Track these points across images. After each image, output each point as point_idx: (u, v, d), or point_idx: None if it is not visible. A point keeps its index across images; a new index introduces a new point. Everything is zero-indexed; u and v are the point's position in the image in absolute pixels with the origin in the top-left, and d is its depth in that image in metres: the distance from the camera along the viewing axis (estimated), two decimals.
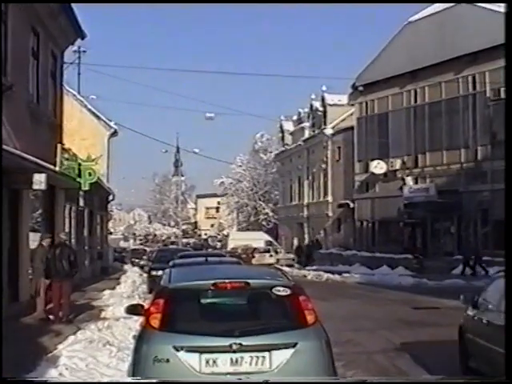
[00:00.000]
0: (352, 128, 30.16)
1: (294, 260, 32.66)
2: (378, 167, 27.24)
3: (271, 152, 49.73)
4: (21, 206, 12.08)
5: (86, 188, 16.02)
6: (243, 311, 5.27)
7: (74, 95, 25.51)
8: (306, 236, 37.50)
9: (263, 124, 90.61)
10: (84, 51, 26.46)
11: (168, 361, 4.76)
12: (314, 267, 27.71)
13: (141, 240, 67.46)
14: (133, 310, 5.69)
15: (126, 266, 26.61)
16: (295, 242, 38.47)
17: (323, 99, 35.20)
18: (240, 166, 53.73)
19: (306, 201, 38.17)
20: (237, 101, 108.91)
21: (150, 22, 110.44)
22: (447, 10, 24.12)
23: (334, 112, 34.02)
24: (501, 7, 17.18)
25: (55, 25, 14.10)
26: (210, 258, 9.83)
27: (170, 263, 10.97)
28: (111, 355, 7.50)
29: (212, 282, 5.10)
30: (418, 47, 24.64)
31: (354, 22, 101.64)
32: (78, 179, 15.30)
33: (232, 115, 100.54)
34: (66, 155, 15.22)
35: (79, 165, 15.53)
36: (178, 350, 4.78)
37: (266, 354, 4.79)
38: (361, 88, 28.41)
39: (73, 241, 16.96)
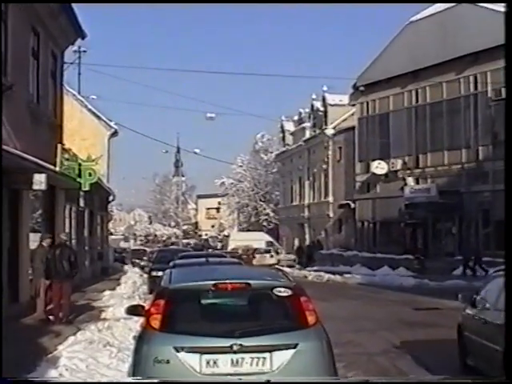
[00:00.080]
0: (353, 128, 30.12)
1: (294, 261, 32.64)
2: (379, 167, 27.19)
3: (272, 152, 49.66)
4: (21, 207, 12.06)
5: (87, 188, 16.01)
6: (244, 312, 5.26)
7: (75, 95, 25.47)
8: (307, 236, 37.44)
9: (264, 124, 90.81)
10: (84, 51, 26.43)
11: (168, 362, 4.75)
12: (315, 268, 27.67)
13: (141, 240, 67.52)
14: (133, 310, 5.68)
15: (126, 267, 26.55)
16: (296, 242, 38.42)
17: (324, 99, 35.14)
18: (241, 166, 53.67)
19: (306, 201, 38.11)
20: (237, 101, 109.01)
21: (151, 21, 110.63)
22: (448, 10, 24.07)
23: (335, 112, 33.97)
24: (502, 7, 17.10)
25: (55, 24, 14.07)
26: (210, 259, 9.82)
27: (171, 264, 10.99)
28: (111, 356, 7.48)
29: (213, 282, 5.09)
30: (420, 47, 24.59)
31: (355, 22, 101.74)
32: (79, 179, 15.29)
33: (233, 115, 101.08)
34: (66, 155, 15.22)
35: (79, 165, 15.52)
36: (178, 351, 4.77)
37: (267, 354, 4.79)
38: (362, 88, 28.37)
39: (73, 241, 16.95)
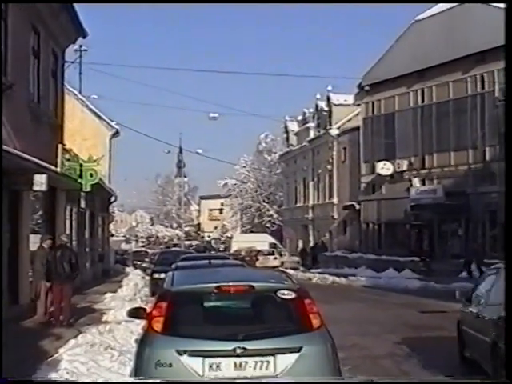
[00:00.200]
0: (358, 128, 29.96)
1: (298, 263, 32.46)
2: (385, 168, 27.03)
3: (276, 153, 49.52)
4: (21, 208, 12.02)
5: (88, 189, 15.99)
6: (247, 315, 5.24)
7: (75, 95, 25.32)
8: (311, 238, 37.28)
9: (267, 124, 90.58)
10: (85, 50, 26.22)
11: (171, 365, 4.72)
12: (319, 270, 27.68)
13: (143, 242, 67.38)
14: (135, 313, 5.65)
15: (127, 269, 26.47)
16: (300, 244, 38.25)
17: (329, 99, 34.95)
18: (244, 166, 53.52)
19: (311, 202, 37.94)
20: (241, 101, 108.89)
21: (153, 20, 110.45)
22: (455, 9, 23.87)
23: (340, 112, 33.79)
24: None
25: (56, 23, 14.00)
26: (213, 261, 9.77)
27: (173, 266, 10.95)
28: (113, 359, 7.46)
29: (215, 285, 5.06)
30: (426, 46, 24.42)
31: (360, 21, 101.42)
32: (79, 180, 15.26)
33: (236, 115, 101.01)
34: (67, 156, 15.17)
35: (80, 165, 15.46)
36: (180, 354, 4.74)
37: (271, 358, 4.76)
38: (367, 87, 28.18)
39: (74, 243, 16.97)
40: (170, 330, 4.89)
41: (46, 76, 13.58)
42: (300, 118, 42.07)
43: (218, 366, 4.71)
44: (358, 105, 30.05)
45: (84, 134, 24.02)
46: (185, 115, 71.72)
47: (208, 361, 4.72)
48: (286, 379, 4.40)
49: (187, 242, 59.00)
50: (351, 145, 31.58)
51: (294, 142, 42.25)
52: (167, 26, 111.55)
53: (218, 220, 73.24)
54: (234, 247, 36.57)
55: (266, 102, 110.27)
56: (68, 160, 14.92)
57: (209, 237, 70.01)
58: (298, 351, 4.79)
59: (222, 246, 53.61)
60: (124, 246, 46.51)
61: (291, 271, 23.33)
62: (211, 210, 78.17)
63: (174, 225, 73.43)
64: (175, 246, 54.10)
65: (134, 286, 17.19)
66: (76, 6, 13.89)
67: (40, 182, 10.89)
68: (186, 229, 68.56)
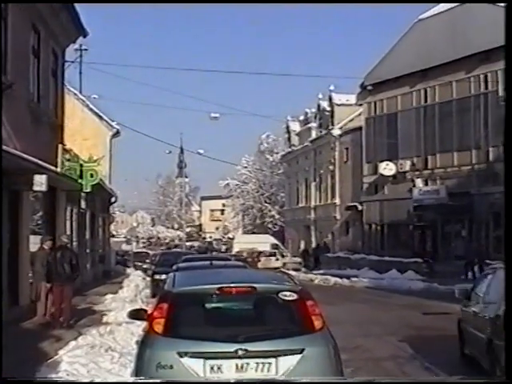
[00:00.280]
0: (360, 128, 29.88)
1: (300, 264, 32.35)
2: (387, 169, 26.93)
3: (277, 153, 49.45)
4: (21, 208, 11.97)
5: (88, 190, 15.91)
6: (249, 316, 5.23)
7: (76, 94, 25.21)
8: (313, 239, 37.19)
9: (269, 124, 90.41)
10: (86, 49, 26.07)
11: (172, 367, 4.70)
12: (322, 271, 27.61)
13: (144, 243, 67.25)
14: (135, 314, 5.63)
15: (128, 270, 26.42)
16: (302, 245, 38.15)
17: (331, 99, 34.86)
18: (245, 167, 53.44)
19: (313, 203, 37.83)
20: (242, 101, 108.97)
21: (154, 19, 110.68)
22: (458, 8, 23.76)
23: (342, 112, 33.69)
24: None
25: (56, 22, 13.94)
26: (214, 262, 9.61)
27: (174, 267, 10.93)
28: (113, 361, 7.43)
29: (217, 286, 5.05)
30: (429, 45, 24.32)
31: (362, 20, 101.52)
32: (80, 180, 15.20)
33: (237, 115, 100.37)
34: (68, 156, 15.11)
35: (81, 166, 15.38)
36: (182, 356, 4.72)
37: (273, 360, 4.74)
38: (369, 87, 28.09)
39: (74, 244, 16.94)
40: (171, 331, 4.87)
41: (46, 75, 13.52)
42: (302, 118, 41.98)
43: (219, 368, 4.70)
44: (361, 105, 29.96)
45: (84, 134, 23.91)
46: (186, 115, 71.87)
47: (209, 362, 4.70)
48: (286, 379, 4.36)
49: (188, 243, 58.86)
50: (353, 145, 31.47)
51: (296, 142, 42.15)
52: (168, 25, 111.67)
53: (220, 221, 73.22)
54: (236, 248, 36.47)
55: (268, 101, 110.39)
56: (68, 160, 14.84)
57: (210, 238, 69.92)
58: (300, 353, 4.77)
59: (223, 247, 53.45)
60: (125, 247, 46.32)
61: (293, 272, 23.25)
62: (212, 210, 78.15)
63: (175, 226, 73.28)
64: (176, 246, 53.96)
65: (134, 288, 17.12)
66: (76, 5, 13.83)
67: (40, 182, 10.86)
68: (188, 230, 68.45)
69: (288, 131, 44.16)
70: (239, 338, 4.77)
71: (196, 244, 60.66)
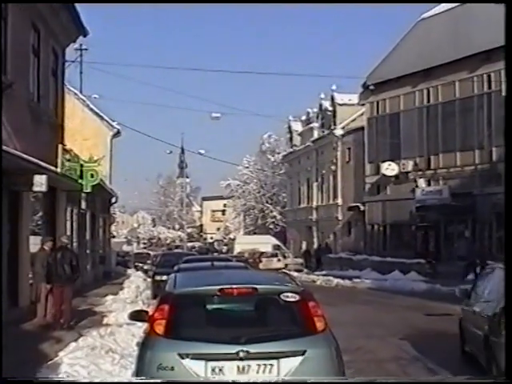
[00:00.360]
0: (362, 128, 29.78)
1: (302, 264, 32.30)
2: (390, 169, 26.83)
3: (279, 153, 49.37)
4: (21, 209, 11.97)
5: (88, 190, 15.87)
6: (250, 318, 5.21)
7: (76, 94, 25.17)
8: (315, 240, 37.09)
9: (271, 124, 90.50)
10: (86, 49, 26.06)
11: (173, 368, 4.68)
12: (324, 272, 27.58)
13: (144, 244, 67.22)
14: (136, 316, 5.62)
15: (129, 271, 26.40)
16: (304, 245, 38.06)
17: (333, 99, 34.75)
18: (247, 167, 53.35)
19: (314, 203, 37.73)
20: (243, 100, 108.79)
21: (155, 19, 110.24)
22: (461, 7, 23.67)
23: (344, 112, 33.59)
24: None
25: (56, 21, 13.92)
26: (216, 263, 9.72)
27: (175, 268, 10.95)
28: (114, 363, 7.44)
29: (218, 287, 5.04)
30: (431, 45, 24.21)
31: (364, 20, 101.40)
32: (80, 181, 15.16)
33: (239, 115, 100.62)
34: (68, 156, 15.07)
35: (81, 166, 15.34)
36: (183, 358, 4.71)
37: (274, 361, 4.73)
38: (372, 87, 27.98)
39: (74, 244, 16.99)
40: (172, 332, 4.85)
41: (46, 75, 13.50)
42: (304, 117, 41.88)
43: (220, 370, 4.68)
44: (363, 104, 29.85)
45: (85, 133, 23.86)
46: (187, 115, 71.65)
47: (211, 364, 4.68)
48: (288, 381, 4.32)
49: (189, 244, 58.84)
50: (356, 145, 31.36)
51: (298, 142, 42.05)
52: (169, 24, 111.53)
53: (221, 221, 73.10)
54: (237, 249, 36.42)
55: (270, 101, 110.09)
56: (68, 160, 14.78)
57: (211, 238, 69.84)
58: (302, 354, 4.75)
59: (224, 248, 53.36)
60: (125, 248, 46.28)
61: (295, 273, 23.15)
62: (214, 211, 78.06)
63: (176, 226, 73.18)
64: (177, 247, 53.97)
65: (135, 289, 17.10)
66: (77, 4, 13.79)
67: (40, 182, 10.87)
68: (189, 230, 68.41)
69: (290, 131, 44.07)
70: (241, 340, 4.74)
71: (197, 245, 60.62)
